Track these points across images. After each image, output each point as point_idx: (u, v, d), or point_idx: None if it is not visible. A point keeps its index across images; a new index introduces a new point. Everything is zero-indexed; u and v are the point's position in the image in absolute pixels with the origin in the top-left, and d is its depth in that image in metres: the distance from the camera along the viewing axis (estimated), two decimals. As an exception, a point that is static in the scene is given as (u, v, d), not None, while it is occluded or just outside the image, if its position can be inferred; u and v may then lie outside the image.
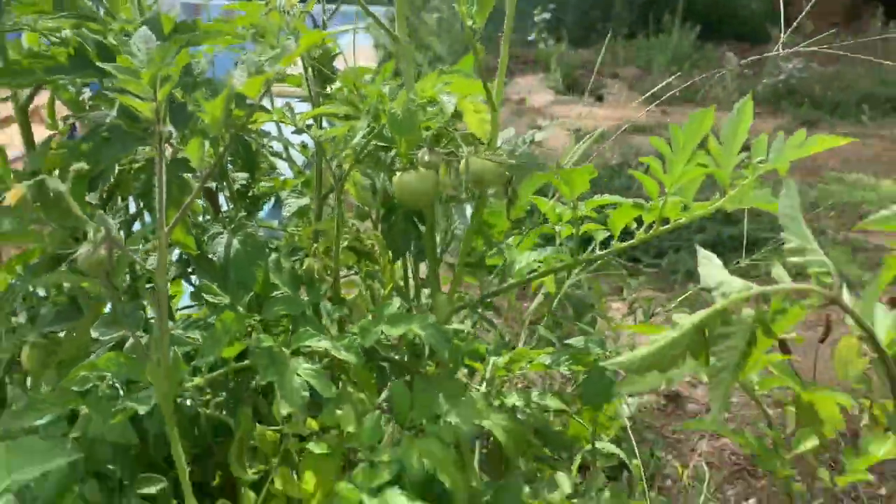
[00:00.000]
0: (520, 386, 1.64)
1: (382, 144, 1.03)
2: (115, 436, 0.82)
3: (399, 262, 1.17)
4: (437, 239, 1.11)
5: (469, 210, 1.21)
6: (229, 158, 1.06)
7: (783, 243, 0.63)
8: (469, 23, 0.92)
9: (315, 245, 1.07)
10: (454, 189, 0.99)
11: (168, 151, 0.83)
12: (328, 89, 1.21)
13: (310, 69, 1.20)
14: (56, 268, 1.01)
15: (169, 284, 1.04)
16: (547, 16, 10.99)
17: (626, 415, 1.60)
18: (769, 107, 7.87)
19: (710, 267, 0.60)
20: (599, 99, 8.47)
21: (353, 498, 0.80)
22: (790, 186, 0.65)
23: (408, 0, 1.06)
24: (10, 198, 0.66)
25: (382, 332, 0.92)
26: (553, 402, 1.17)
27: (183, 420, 1.03)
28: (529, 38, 11.18)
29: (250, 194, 1.11)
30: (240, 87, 0.73)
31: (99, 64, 0.76)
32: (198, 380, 0.85)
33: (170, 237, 0.78)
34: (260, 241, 0.94)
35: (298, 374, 0.83)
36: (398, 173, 0.99)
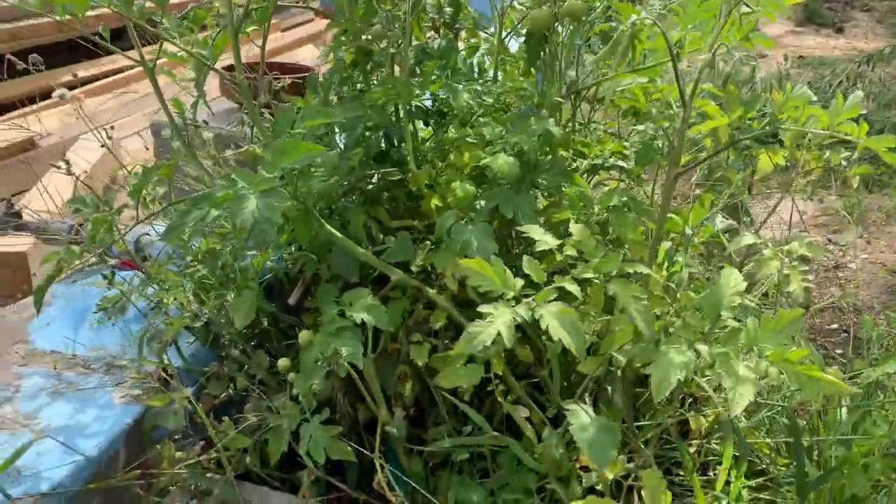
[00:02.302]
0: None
1: (526, -4, 1.90)
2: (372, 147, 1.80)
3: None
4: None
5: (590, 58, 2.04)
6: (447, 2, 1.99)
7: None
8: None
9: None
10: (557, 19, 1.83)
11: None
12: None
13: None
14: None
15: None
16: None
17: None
18: None
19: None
20: (840, 31, 8.27)
21: (483, 156, 1.71)
22: None
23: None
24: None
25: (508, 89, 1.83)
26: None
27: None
28: (782, -30, 10.80)
29: (454, 25, 2.03)
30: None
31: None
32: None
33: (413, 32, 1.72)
34: (448, 47, 1.86)
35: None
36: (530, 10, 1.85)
